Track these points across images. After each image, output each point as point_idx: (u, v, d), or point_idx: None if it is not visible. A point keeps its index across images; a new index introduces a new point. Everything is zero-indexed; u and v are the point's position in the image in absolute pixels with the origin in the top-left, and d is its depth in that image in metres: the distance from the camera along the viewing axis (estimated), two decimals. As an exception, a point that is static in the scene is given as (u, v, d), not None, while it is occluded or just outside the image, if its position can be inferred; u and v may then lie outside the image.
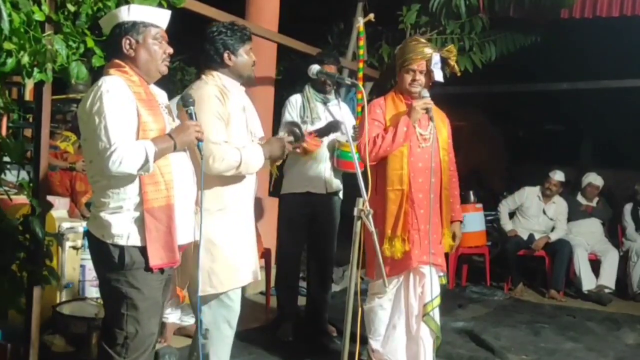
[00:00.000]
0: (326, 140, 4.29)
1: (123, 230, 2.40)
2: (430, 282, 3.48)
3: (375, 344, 3.60)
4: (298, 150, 3.16)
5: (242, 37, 2.95)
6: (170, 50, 2.56)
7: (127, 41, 2.48)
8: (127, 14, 2.49)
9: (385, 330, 3.61)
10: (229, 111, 2.86)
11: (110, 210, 2.41)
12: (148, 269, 2.42)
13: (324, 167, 4.34)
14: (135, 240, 2.41)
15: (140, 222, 2.40)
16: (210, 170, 2.72)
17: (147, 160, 2.33)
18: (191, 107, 2.61)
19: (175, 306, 4.27)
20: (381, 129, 3.49)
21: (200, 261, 2.68)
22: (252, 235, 3.04)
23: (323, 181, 4.34)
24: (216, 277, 2.83)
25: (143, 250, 2.41)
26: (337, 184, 4.42)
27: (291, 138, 3.01)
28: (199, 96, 2.79)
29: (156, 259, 2.41)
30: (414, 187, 3.45)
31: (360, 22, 5.44)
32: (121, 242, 2.40)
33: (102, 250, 2.43)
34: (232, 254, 2.89)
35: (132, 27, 2.48)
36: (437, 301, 3.55)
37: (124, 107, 2.36)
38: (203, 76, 2.97)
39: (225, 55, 2.93)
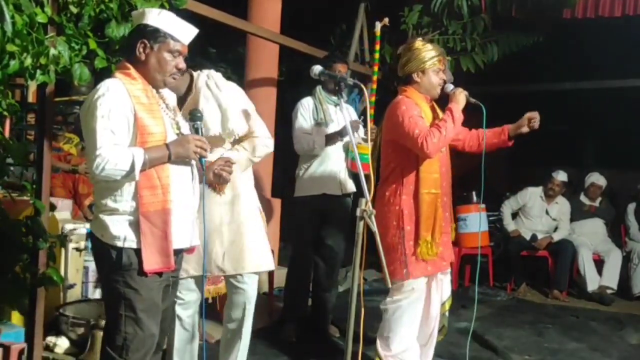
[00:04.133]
0: (339, 143, 4.34)
1: (120, 232, 2.40)
2: (448, 281, 3.62)
3: (393, 345, 3.51)
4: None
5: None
6: (183, 65, 2.53)
7: (142, 44, 2.46)
8: (156, 18, 2.46)
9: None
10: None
11: (108, 211, 2.42)
12: (142, 272, 2.41)
13: (338, 169, 4.36)
14: (131, 243, 2.41)
15: (136, 225, 2.40)
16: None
17: (132, 169, 2.32)
18: (198, 122, 2.60)
19: None
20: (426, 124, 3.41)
21: None
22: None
23: (339, 182, 4.37)
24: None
25: (139, 252, 2.41)
26: (351, 185, 4.44)
27: (201, 139, 2.66)
28: None
29: (151, 263, 2.41)
30: (442, 191, 3.46)
31: (377, 27, 5.47)
32: (119, 243, 2.40)
33: (102, 250, 2.45)
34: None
35: (152, 33, 2.45)
36: (450, 298, 3.66)
37: (118, 111, 2.35)
38: None
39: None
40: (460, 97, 3.43)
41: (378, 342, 3.55)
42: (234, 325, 3.18)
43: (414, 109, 3.36)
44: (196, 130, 2.60)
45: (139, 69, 2.48)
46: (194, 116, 2.63)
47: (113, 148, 2.31)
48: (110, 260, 2.42)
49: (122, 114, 2.37)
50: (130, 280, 2.42)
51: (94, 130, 2.32)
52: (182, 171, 2.53)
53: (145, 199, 2.40)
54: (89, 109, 2.35)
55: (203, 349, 2.95)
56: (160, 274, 2.47)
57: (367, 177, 2.71)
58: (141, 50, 2.46)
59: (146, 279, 2.43)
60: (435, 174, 3.43)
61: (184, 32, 2.51)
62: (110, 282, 2.46)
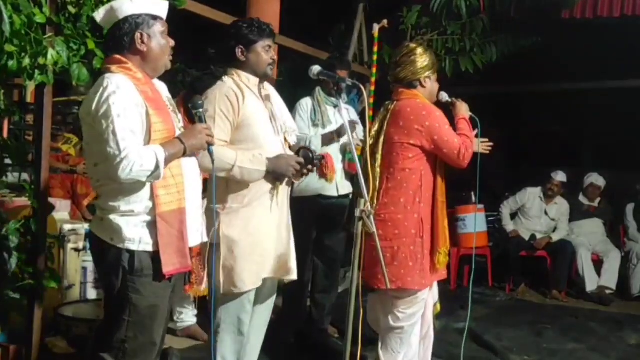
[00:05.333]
0: (336, 145, 4.31)
1: (135, 234, 2.31)
2: (435, 284, 3.58)
3: (400, 357, 3.45)
4: (307, 174, 3.01)
5: (259, 34, 2.88)
6: (173, 42, 2.48)
7: (140, 35, 2.37)
8: (131, 5, 2.36)
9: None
10: (244, 113, 2.81)
11: (121, 213, 2.32)
12: (158, 277, 2.34)
13: (335, 170, 4.35)
14: (146, 245, 2.33)
15: (152, 227, 2.32)
16: (200, 166, 2.64)
17: (157, 167, 2.25)
18: (200, 110, 2.54)
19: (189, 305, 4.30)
20: None
21: (221, 260, 2.70)
22: (284, 232, 2.97)
23: (335, 184, 4.34)
24: (237, 276, 2.78)
25: (153, 255, 2.33)
26: (348, 186, 4.42)
27: (301, 159, 2.90)
28: (210, 94, 2.80)
29: (169, 265, 2.34)
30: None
31: (375, 29, 5.46)
32: (132, 246, 2.31)
33: (110, 254, 2.34)
34: (257, 252, 2.84)
35: (143, 21, 2.37)
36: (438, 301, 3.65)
37: (132, 109, 2.27)
38: (224, 76, 2.92)
39: (238, 51, 2.88)
40: (465, 109, 3.45)
41: (382, 356, 3.45)
42: (260, 332, 3.16)
43: (443, 114, 3.33)
44: (199, 119, 2.53)
45: (140, 61, 2.40)
46: (195, 104, 2.55)
47: (135, 149, 2.22)
48: (119, 263, 2.32)
49: (137, 111, 2.28)
50: (140, 284, 2.33)
51: (113, 131, 2.21)
52: (191, 167, 2.47)
53: (162, 199, 2.32)
54: (101, 108, 2.23)
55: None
56: (170, 278, 2.40)
57: (365, 177, 2.72)
58: (140, 42, 2.37)
59: (157, 284, 2.36)
60: (443, 181, 3.41)
61: (162, 8, 2.46)
62: (115, 285, 2.35)
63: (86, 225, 4.34)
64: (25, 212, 3.23)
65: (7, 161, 3.29)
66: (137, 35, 2.37)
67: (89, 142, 2.38)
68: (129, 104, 2.27)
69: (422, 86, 3.41)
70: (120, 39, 2.38)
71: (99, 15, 2.43)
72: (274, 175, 2.86)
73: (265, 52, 2.91)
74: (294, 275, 3.03)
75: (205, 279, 2.80)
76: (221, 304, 2.86)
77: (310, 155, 2.93)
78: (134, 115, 2.27)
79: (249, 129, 2.84)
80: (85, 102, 2.34)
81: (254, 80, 2.93)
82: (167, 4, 2.49)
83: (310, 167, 2.94)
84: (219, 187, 2.75)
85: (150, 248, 2.34)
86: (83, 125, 2.39)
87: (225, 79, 2.91)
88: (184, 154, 2.39)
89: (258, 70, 2.93)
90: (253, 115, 2.84)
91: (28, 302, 3.19)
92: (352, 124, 4.32)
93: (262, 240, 2.87)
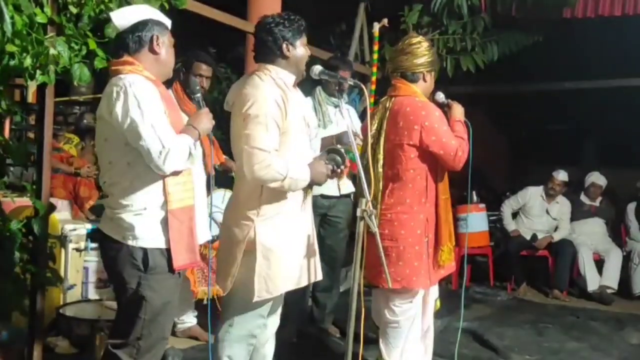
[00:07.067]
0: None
1: (147, 232, 2.36)
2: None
3: (399, 353, 3.46)
4: (336, 177, 2.99)
5: (299, 29, 2.82)
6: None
7: (157, 38, 2.45)
8: (150, 11, 2.48)
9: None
10: (289, 118, 2.72)
11: (134, 211, 2.36)
12: (170, 271, 2.39)
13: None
14: (159, 242, 2.37)
15: (164, 224, 2.37)
16: (253, 176, 2.60)
17: (190, 153, 2.37)
18: (199, 95, 2.58)
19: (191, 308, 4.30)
20: None
21: (256, 268, 2.68)
22: (311, 235, 2.93)
23: (337, 183, 4.33)
24: (272, 282, 2.75)
25: (165, 252, 2.38)
26: (349, 185, 4.41)
27: (332, 167, 2.85)
28: (256, 95, 2.64)
29: (179, 260, 2.39)
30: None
31: (375, 28, 5.44)
32: (145, 244, 2.36)
33: (122, 252, 2.38)
34: (289, 259, 2.80)
35: (160, 26, 2.47)
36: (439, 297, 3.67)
37: (160, 105, 2.35)
38: (257, 72, 2.78)
39: (284, 46, 2.77)
40: (461, 112, 3.44)
41: (384, 352, 3.46)
42: (271, 339, 3.14)
43: (442, 114, 3.31)
44: (198, 104, 2.61)
45: (152, 61, 2.46)
46: (194, 89, 2.63)
47: (174, 141, 2.31)
48: (132, 262, 2.36)
49: (162, 107, 2.37)
50: (154, 282, 2.38)
51: (154, 128, 2.28)
52: (198, 165, 2.55)
53: (174, 196, 2.37)
54: (131, 107, 2.28)
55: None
56: (178, 273, 2.45)
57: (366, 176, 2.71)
58: (156, 44, 2.45)
59: (168, 280, 2.41)
60: (446, 179, 3.41)
61: (168, 23, 2.55)
62: (129, 284, 2.39)
63: (87, 225, 4.35)
64: (27, 212, 3.23)
65: (9, 161, 3.29)
66: (155, 36, 2.45)
67: (107, 138, 2.40)
68: (157, 101, 2.35)
69: (424, 80, 3.38)
70: (138, 37, 2.44)
71: (119, 14, 2.48)
72: (311, 184, 2.81)
73: (305, 47, 2.85)
74: (320, 276, 3.00)
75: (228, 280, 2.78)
76: (240, 307, 2.81)
77: (340, 158, 2.87)
78: (162, 111, 2.36)
79: (288, 135, 2.74)
80: (106, 101, 2.37)
81: (292, 78, 2.82)
82: (169, 21, 2.58)
83: (338, 171, 2.89)
84: (253, 193, 2.71)
85: (162, 245, 2.38)
86: (100, 123, 2.43)
87: (263, 77, 2.73)
88: (199, 138, 2.49)
89: (299, 67, 2.84)
90: (294, 120, 2.76)
91: (30, 302, 3.20)
92: (355, 136, 4.29)
93: (295, 247, 2.83)
